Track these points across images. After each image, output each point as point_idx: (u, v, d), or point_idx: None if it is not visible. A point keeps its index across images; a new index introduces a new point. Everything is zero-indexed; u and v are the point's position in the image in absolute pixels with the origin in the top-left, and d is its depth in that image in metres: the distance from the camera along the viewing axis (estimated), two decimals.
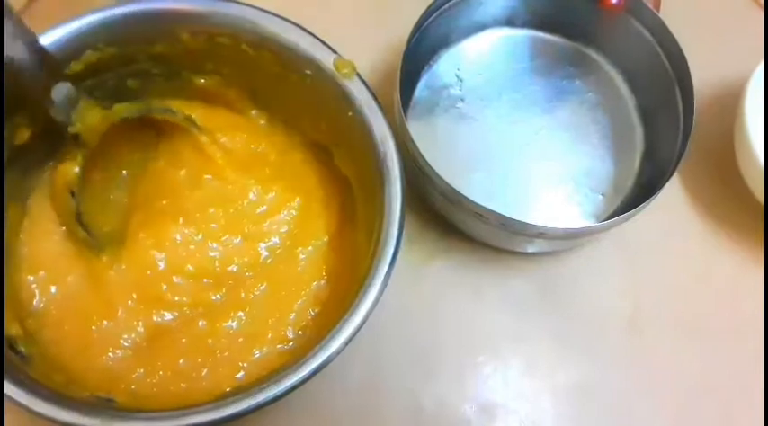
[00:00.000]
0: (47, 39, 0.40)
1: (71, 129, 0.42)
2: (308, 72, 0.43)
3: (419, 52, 0.51)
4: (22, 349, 0.40)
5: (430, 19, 0.50)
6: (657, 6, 0.51)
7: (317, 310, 0.44)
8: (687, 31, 0.51)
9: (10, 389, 0.35)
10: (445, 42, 0.54)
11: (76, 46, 0.42)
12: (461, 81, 0.54)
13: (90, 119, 0.42)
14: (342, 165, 0.46)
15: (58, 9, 0.52)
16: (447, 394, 0.47)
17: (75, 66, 0.42)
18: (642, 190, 0.50)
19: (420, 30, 0.49)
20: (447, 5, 0.51)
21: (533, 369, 0.49)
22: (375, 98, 0.42)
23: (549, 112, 0.53)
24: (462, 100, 0.53)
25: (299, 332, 0.44)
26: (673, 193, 0.54)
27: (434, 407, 0.47)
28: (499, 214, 0.44)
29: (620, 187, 0.51)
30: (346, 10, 0.58)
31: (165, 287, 0.44)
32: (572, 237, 0.48)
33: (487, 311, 0.50)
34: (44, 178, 0.45)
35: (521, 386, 0.48)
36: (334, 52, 0.43)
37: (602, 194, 0.51)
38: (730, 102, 0.52)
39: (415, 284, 0.49)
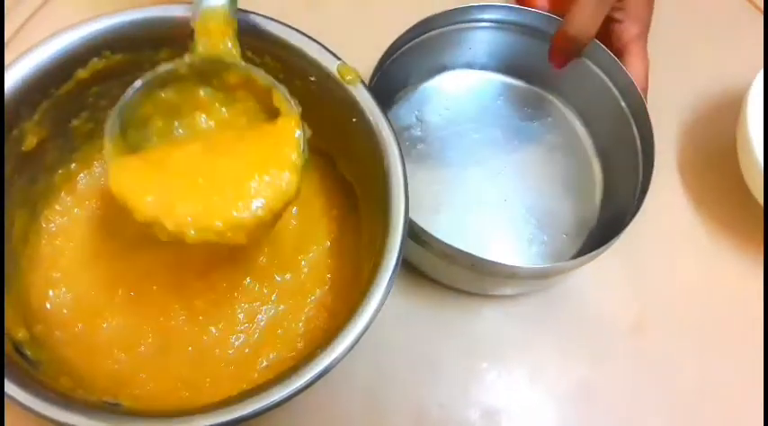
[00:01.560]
0: (52, 47, 0.41)
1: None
2: (312, 78, 0.43)
3: (379, 94, 0.51)
4: (29, 353, 0.40)
5: (389, 61, 0.49)
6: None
7: (321, 316, 0.45)
8: (689, 35, 0.51)
9: (16, 392, 0.35)
10: (403, 84, 0.54)
11: (82, 53, 0.42)
12: (421, 122, 0.54)
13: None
14: (346, 172, 0.46)
15: (70, 12, 0.53)
16: (450, 399, 0.47)
17: (82, 74, 0.42)
18: (605, 228, 0.50)
19: (380, 71, 0.48)
20: (404, 48, 0.50)
21: (537, 376, 0.49)
22: (379, 105, 0.42)
23: (509, 153, 0.53)
24: (423, 141, 0.53)
25: (304, 338, 0.44)
26: (675, 198, 0.54)
27: (438, 412, 0.47)
28: (469, 254, 0.43)
29: (583, 226, 0.52)
30: (342, 17, 0.58)
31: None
32: (541, 277, 0.47)
33: (491, 319, 0.50)
34: (54, 184, 0.45)
35: (525, 393, 0.48)
36: (339, 59, 0.43)
37: (566, 234, 0.51)
38: (732, 106, 0.52)
39: (416, 293, 0.50)
